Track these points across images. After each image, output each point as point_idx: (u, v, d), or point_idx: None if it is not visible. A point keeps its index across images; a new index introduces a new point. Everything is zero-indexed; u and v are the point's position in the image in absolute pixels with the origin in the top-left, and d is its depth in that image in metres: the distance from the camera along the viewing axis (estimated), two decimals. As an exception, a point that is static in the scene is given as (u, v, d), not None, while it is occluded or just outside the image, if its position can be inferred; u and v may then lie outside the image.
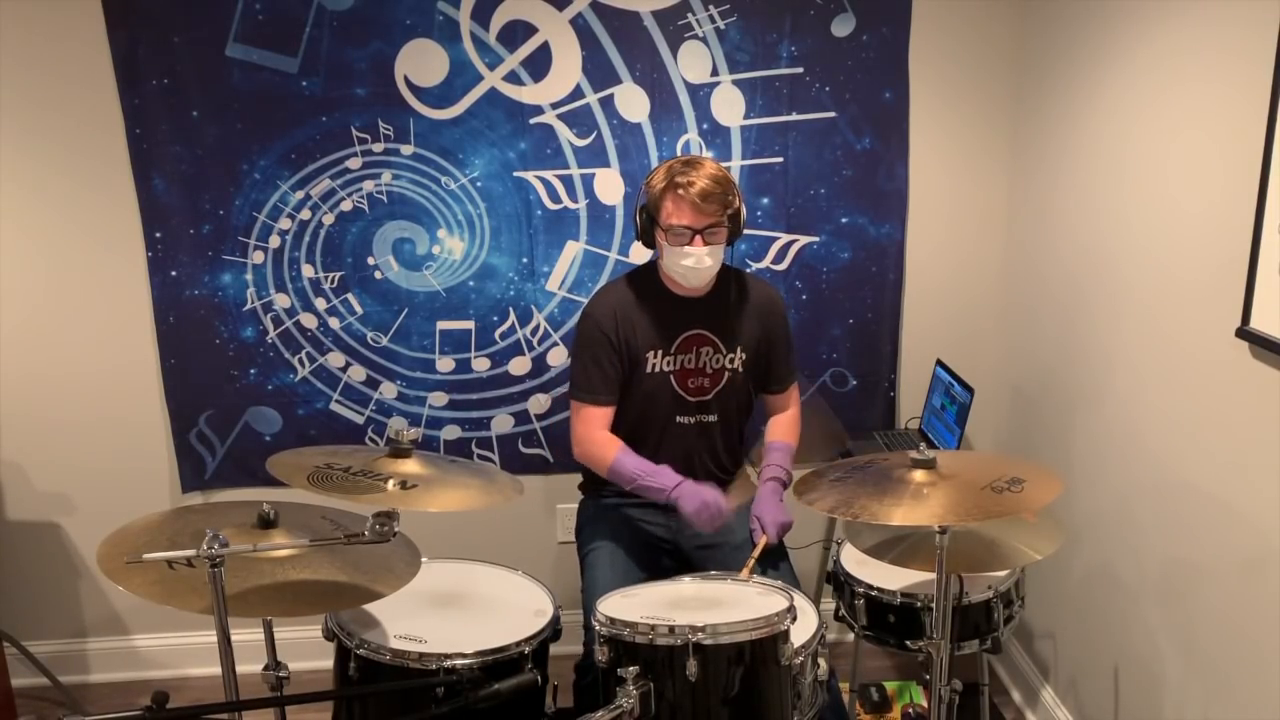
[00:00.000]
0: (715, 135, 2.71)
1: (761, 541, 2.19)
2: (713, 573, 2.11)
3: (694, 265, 2.16)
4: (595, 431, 2.27)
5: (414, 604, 1.95)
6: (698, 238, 2.14)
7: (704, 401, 2.31)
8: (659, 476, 2.19)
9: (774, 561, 2.24)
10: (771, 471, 2.31)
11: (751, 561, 2.13)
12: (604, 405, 2.27)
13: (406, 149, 2.66)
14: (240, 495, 2.79)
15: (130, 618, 2.95)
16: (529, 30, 2.62)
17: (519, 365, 2.85)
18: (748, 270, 2.77)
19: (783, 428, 2.43)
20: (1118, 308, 2.25)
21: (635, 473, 2.20)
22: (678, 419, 2.30)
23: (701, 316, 2.29)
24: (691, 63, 2.66)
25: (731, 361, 2.31)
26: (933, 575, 1.80)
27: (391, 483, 1.76)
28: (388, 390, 2.84)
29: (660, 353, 2.28)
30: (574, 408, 2.31)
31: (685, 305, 2.28)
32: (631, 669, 1.70)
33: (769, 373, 2.40)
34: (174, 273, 2.70)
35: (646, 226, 2.22)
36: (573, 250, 2.78)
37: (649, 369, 2.28)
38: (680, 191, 2.12)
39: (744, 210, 2.25)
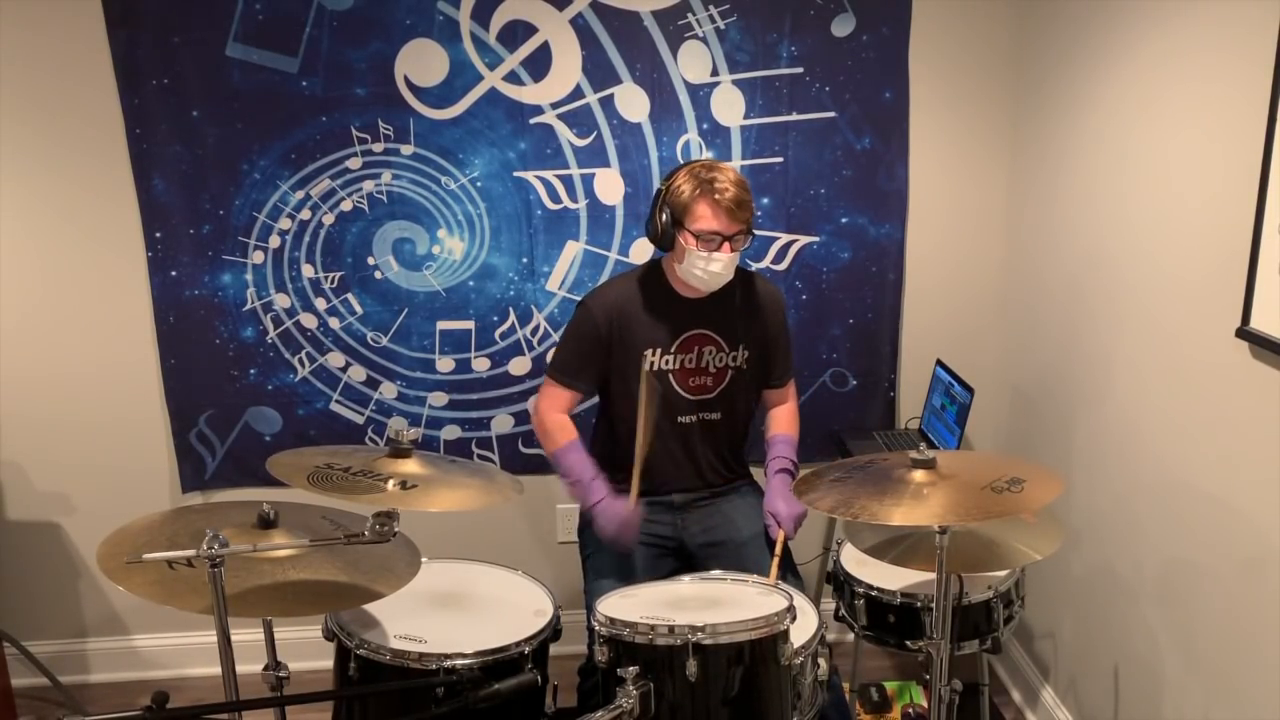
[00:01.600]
0: (715, 135, 2.71)
1: (780, 537, 2.20)
2: (713, 572, 2.11)
3: (720, 271, 2.17)
4: (555, 413, 2.32)
5: (414, 604, 1.95)
6: (726, 244, 2.15)
7: (706, 400, 2.31)
8: (588, 489, 2.22)
9: (788, 567, 2.25)
10: (778, 464, 2.32)
11: (776, 561, 2.15)
12: (573, 390, 2.32)
13: (406, 149, 2.66)
14: (240, 495, 2.79)
15: (130, 618, 2.95)
16: (529, 30, 2.62)
17: (519, 365, 2.84)
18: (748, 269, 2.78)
19: (784, 421, 2.43)
20: (1118, 308, 2.25)
21: (569, 472, 2.26)
22: (679, 419, 2.30)
23: (705, 316, 2.29)
24: (691, 63, 2.66)
25: (735, 360, 2.32)
26: (933, 575, 1.79)
27: (391, 483, 1.76)
28: (388, 390, 2.84)
29: (660, 351, 2.28)
30: (545, 382, 2.37)
31: (689, 305, 2.28)
32: (631, 669, 1.69)
33: (770, 369, 2.40)
34: (174, 273, 2.69)
35: (668, 229, 2.20)
36: (573, 250, 2.78)
37: (648, 367, 2.28)
38: (716, 198, 2.12)
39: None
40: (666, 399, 2.28)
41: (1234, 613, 1.87)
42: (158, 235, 2.67)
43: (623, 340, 2.27)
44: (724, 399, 2.33)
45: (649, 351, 2.27)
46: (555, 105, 2.67)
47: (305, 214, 2.69)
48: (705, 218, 2.14)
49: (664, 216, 2.19)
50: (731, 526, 2.30)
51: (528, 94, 2.66)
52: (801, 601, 1.91)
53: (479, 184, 2.71)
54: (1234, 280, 1.79)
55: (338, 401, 2.83)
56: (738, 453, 2.42)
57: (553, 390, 2.33)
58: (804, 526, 2.29)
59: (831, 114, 2.72)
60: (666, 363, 2.28)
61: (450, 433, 2.88)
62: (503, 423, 2.89)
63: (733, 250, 2.16)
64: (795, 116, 2.72)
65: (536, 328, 2.82)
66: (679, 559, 2.34)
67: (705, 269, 2.17)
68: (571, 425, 2.31)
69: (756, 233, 2.76)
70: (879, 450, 2.77)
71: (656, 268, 2.32)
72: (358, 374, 2.82)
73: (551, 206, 2.74)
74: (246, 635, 1.73)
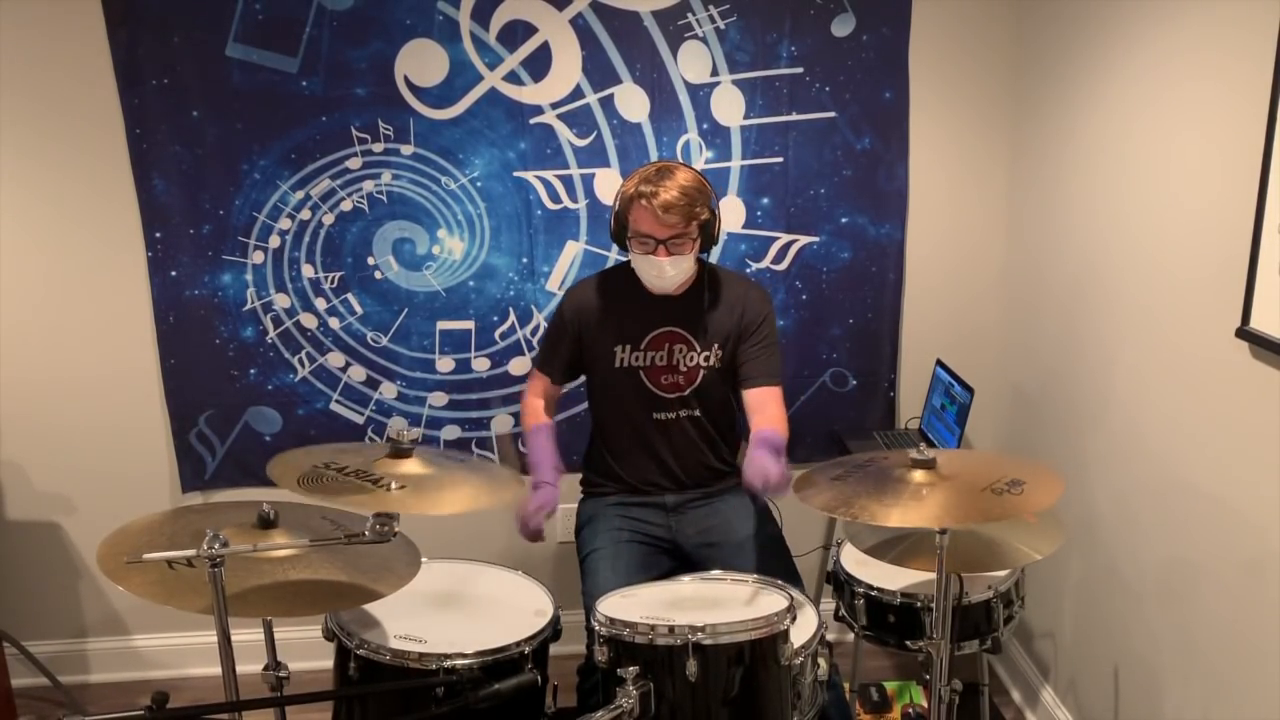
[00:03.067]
0: (715, 135, 2.71)
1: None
2: (714, 572, 2.11)
3: (656, 275, 2.20)
4: (534, 397, 2.39)
5: (414, 604, 1.95)
6: (660, 248, 2.16)
7: (683, 398, 2.31)
8: (535, 472, 2.24)
9: (780, 561, 2.25)
10: (760, 439, 2.15)
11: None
12: (545, 378, 2.38)
13: (406, 149, 2.66)
14: (240, 495, 2.79)
15: (130, 618, 2.95)
16: (529, 30, 2.62)
17: (519, 365, 2.84)
18: (746, 270, 2.78)
19: (767, 421, 2.23)
20: (1118, 308, 2.25)
21: (529, 453, 2.31)
22: (654, 415, 2.30)
23: (674, 315, 2.29)
24: (691, 63, 2.66)
25: (707, 359, 2.30)
26: (933, 575, 1.79)
27: (391, 485, 1.75)
28: (388, 390, 2.84)
29: (629, 348, 2.28)
30: (531, 369, 2.47)
31: (658, 303, 2.28)
32: (631, 669, 1.70)
33: (740, 367, 2.31)
34: (174, 273, 2.70)
35: (618, 231, 2.24)
36: (573, 250, 2.78)
37: (617, 363, 2.28)
38: (644, 202, 2.13)
39: (718, 219, 2.24)
40: (637, 397, 2.29)
41: (1234, 613, 1.87)
42: (158, 235, 2.67)
43: (594, 336, 2.30)
44: (699, 396, 2.31)
45: (619, 348, 2.28)
46: (555, 105, 2.67)
47: (305, 214, 2.69)
48: (637, 220, 2.16)
49: (616, 220, 2.24)
50: (728, 527, 2.30)
51: (528, 94, 2.66)
52: (801, 601, 1.91)
53: (479, 184, 2.71)
54: (1234, 280, 1.79)
55: (338, 401, 2.83)
56: (730, 446, 2.41)
57: (534, 374, 2.43)
58: (803, 523, 2.28)
59: (831, 114, 2.72)
60: (636, 359, 2.28)
61: (450, 433, 2.88)
62: (503, 423, 2.89)
63: (670, 254, 2.16)
64: (795, 116, 2.72)
65: (536, 328, 2.82)
66: (675, 560, 2.34)
67: (645, 271, 2.21)
68: (542, 411, 2.37)
69: (757, 233, 2.77)
70: (879, 450, 2.77)
71: (628, 265, 2.32)
72: (358, 374, 2.82)
73: (551, 206, 2.74)
74: (246, 635, 1.73)
